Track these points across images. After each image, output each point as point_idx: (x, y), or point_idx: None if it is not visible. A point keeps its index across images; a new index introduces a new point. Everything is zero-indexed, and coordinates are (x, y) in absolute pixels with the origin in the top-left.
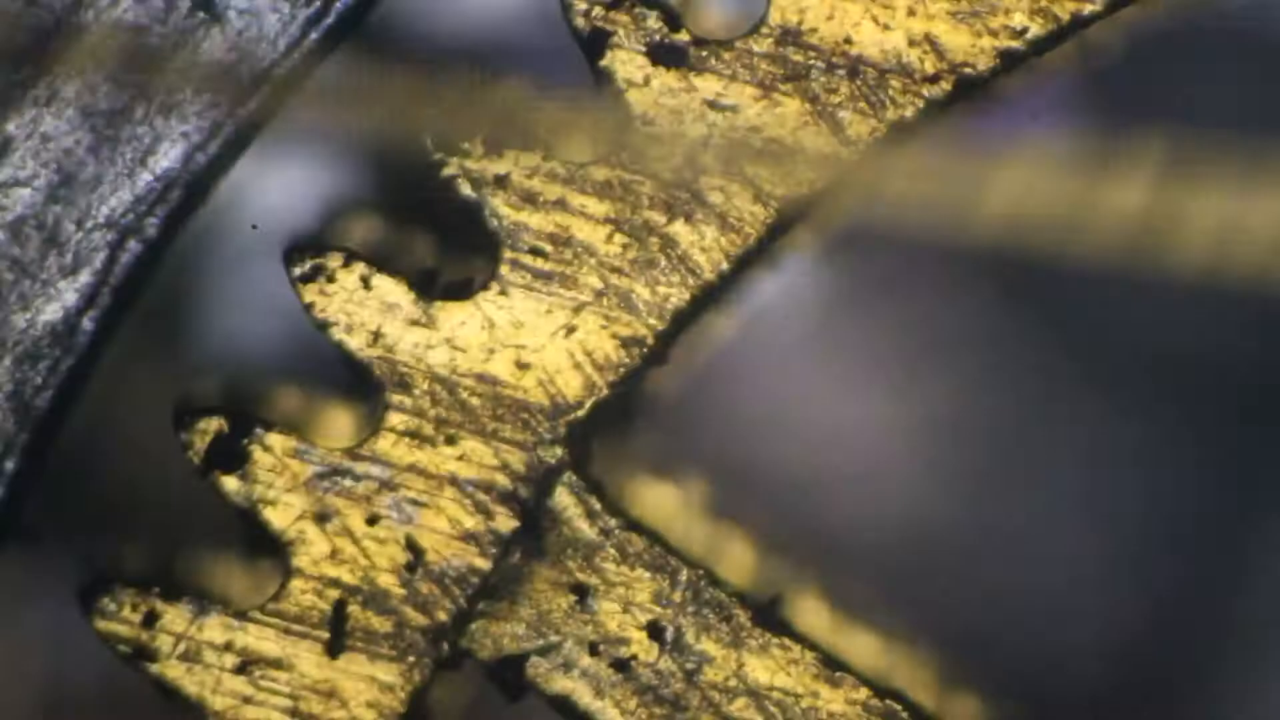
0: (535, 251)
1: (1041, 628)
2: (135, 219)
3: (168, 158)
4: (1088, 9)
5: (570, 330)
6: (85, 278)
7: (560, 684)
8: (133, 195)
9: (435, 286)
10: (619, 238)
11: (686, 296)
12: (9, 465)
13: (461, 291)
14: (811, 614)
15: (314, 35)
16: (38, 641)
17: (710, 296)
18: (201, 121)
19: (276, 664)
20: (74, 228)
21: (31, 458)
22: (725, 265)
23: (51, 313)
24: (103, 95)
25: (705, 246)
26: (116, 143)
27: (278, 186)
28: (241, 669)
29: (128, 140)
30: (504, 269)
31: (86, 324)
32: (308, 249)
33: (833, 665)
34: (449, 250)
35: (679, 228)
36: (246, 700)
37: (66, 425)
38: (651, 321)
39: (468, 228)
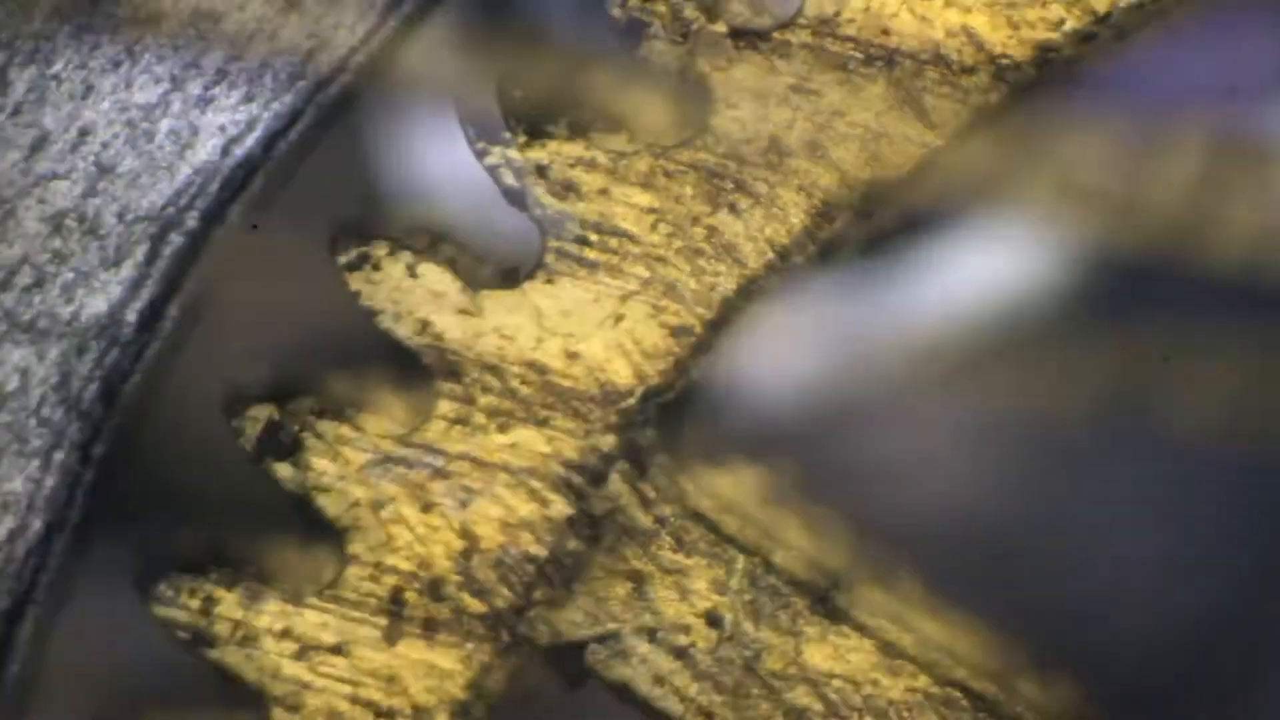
0: (580, 241)
1: (1104, 616)
2: (176, 211)
3: (207, 149)
4: None
5: (618, 319)
6: (128, 270)
7: (619, 671)
8: (173, 188)
9: (482, 275)
10: (663, 227)
11: (733, 285)
12: (58, 457)
13: (509, 280)
14: (870, 601)
15: (392, 21)
16: (91, 633)
17: (757, 285)
18: (240, 114)
19: (335, 650)
20: (115, 220)
21: (80, 450)
22: (771, 254)
23: (96, 305)
24: (140, 88)
25: (751, 235)
26: (154, 136)
27: (338, 173)
28: (300, 655)
29: (167, 133)
30: (549, 258)
31: (130, 316)
32: (352, 237)
33: (892, 653)
34: (496, 238)
35: (724, 217)
36: (305, 686)
37: (115, 416)
38: (699, 310)
39: (515, 215)
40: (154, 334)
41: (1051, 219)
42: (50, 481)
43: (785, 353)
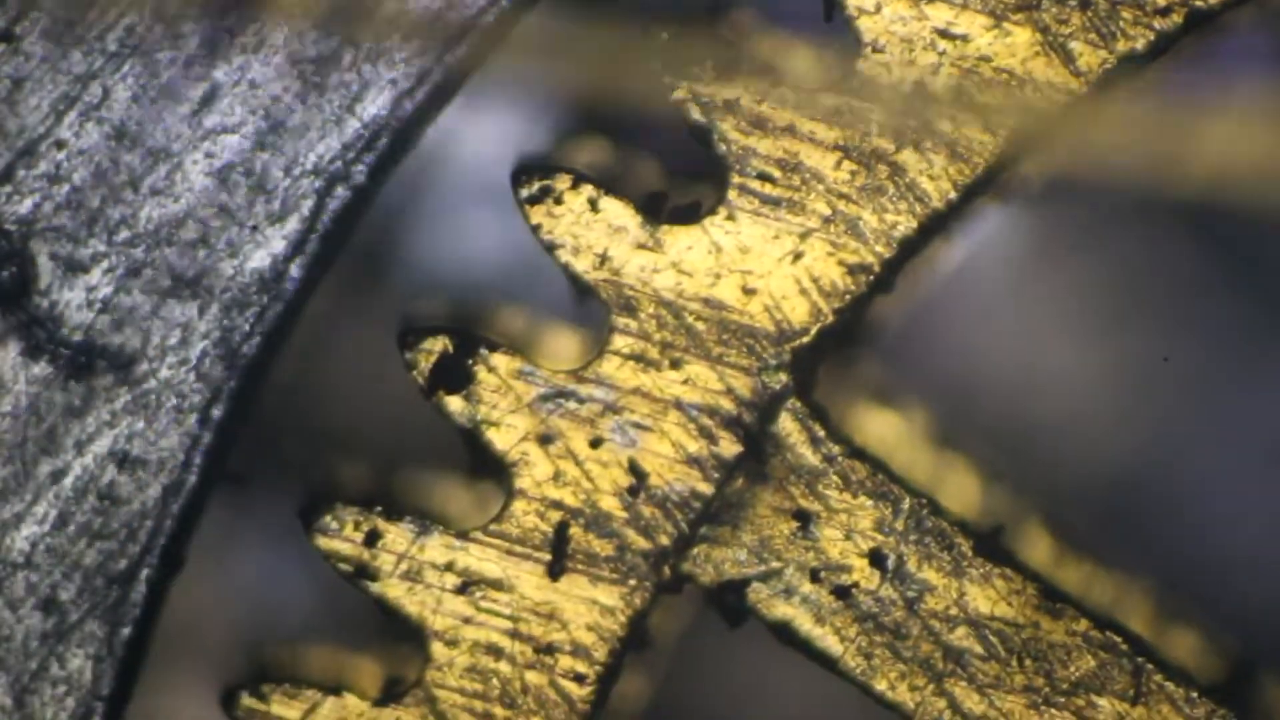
0: (763, 177)
1: (1260, 565)
2: (343, 165)
3: (375, 104)
4: None
5: (797, 256)
6: (293, 224)
7: (781, 610)
8: (340, 142)
9: (662, 211)
10: (847, 164)
11: (914, 224)
12: (216, 412)
13: (689, 216)
14: (1033, 545)
15: None
16: (245, 585)
17: (938, 225)
18: (409, 68)
19: (497, 585)
20: (282, 174)
21: (239, 404)
22: (953, 194)
23: (259, 260)
24: (311, 42)
25: (934, 175)
26: (324, 89)
27: (493, 124)
28: (462, 589)
29: (335, 87)
30: (732, 194)
31: (294, 271)
32: (535, 171)
33: (1054, 596)
34: (676, 175)
35: (908, 155)
36: (466, 620)
37: (278, 367)
38: (878, 249)
39: (695, 152)
40: (316, 289)
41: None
42: (207, 438)
43: (958, 299)
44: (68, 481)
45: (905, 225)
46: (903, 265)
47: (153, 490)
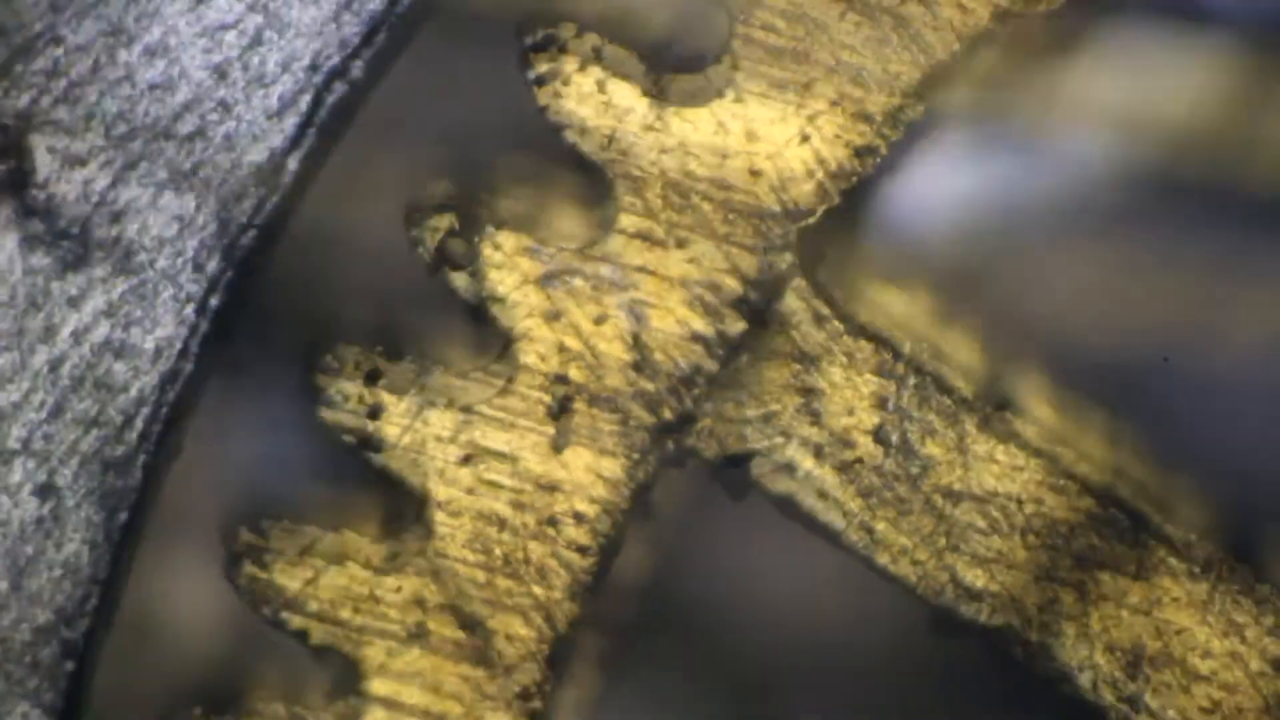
0: (768, 28)
1: (1264, 442)
2: (341, 61)
3: (374, 1)
4: None
5: (804, 138)
6: (291, 119)
7: (784, 485)
8: (338, 38)
9: (669, 91)
10: (852, 16)
11: (918, 75)
12: (214, 302)
13: (696, 97)
14: (1038, 422)
15: None
16: (243, 470)
17: (942, 77)
18: None
19: (501, 457)
20: (280, 70)
21: (237, 294)
22: (958, 45)
23: (257, 154)
24: None
25: (939, 26)
26: None
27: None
28: (466, 461)
29: None
30: (736, 44)
31: (292, 164)
32: (543, 51)
33: (1058, 473)
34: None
35: (912, 7)
36: (470, 492)
37: (274, 260)
38: (884, 98)
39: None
40: (315, 181)
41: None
42: (205, 327)
43: (952, 179)
44: (65, 370)
45: (910, 76)
46: (909, 149)
47: (149, 378)
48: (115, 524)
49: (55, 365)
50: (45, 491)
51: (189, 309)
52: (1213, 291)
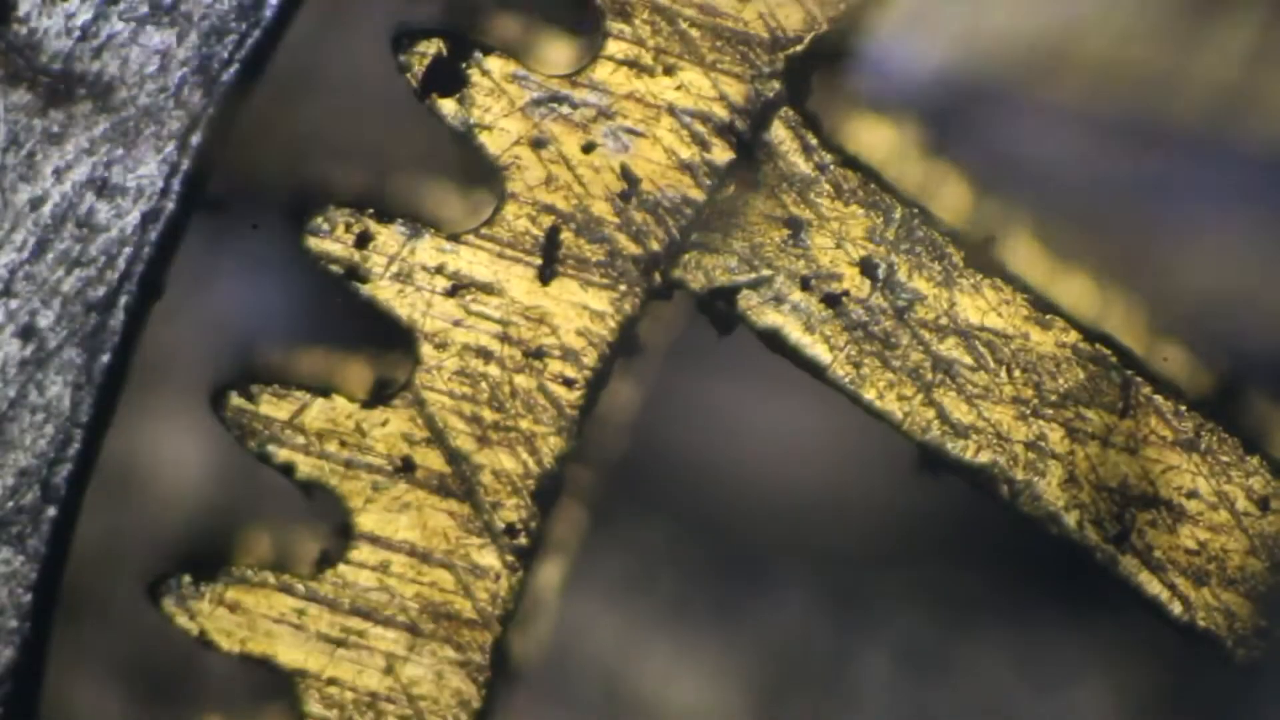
0: None
1: (1250, 287)
2: None
3: None
4: None
5: None
6: None
7: (770, 318)
8: None
9: None
10: None
11: None
12: (195, 139)
13: None
14: (1024, 256)
15: None
16: (227, 307)
17: None
18: None
19: (488, 288)
20: None
21: (219, 131)
22: None
23: None
24: None
25: None
26: None
27: None
28: (453, 292)
29: None
30: None
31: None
32: None
33: (1044, 307)
34: None
35: None
36: (457, 324)
37: (256, 94)
38: None
39: None
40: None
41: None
42: (186, 165)
43: (943, 10)
44: (46, 209)
45: None
46: None
47: (131, 217)
48: (98, 366)
49: (36, 204)
50: (27, 333)
51: (170, 146)
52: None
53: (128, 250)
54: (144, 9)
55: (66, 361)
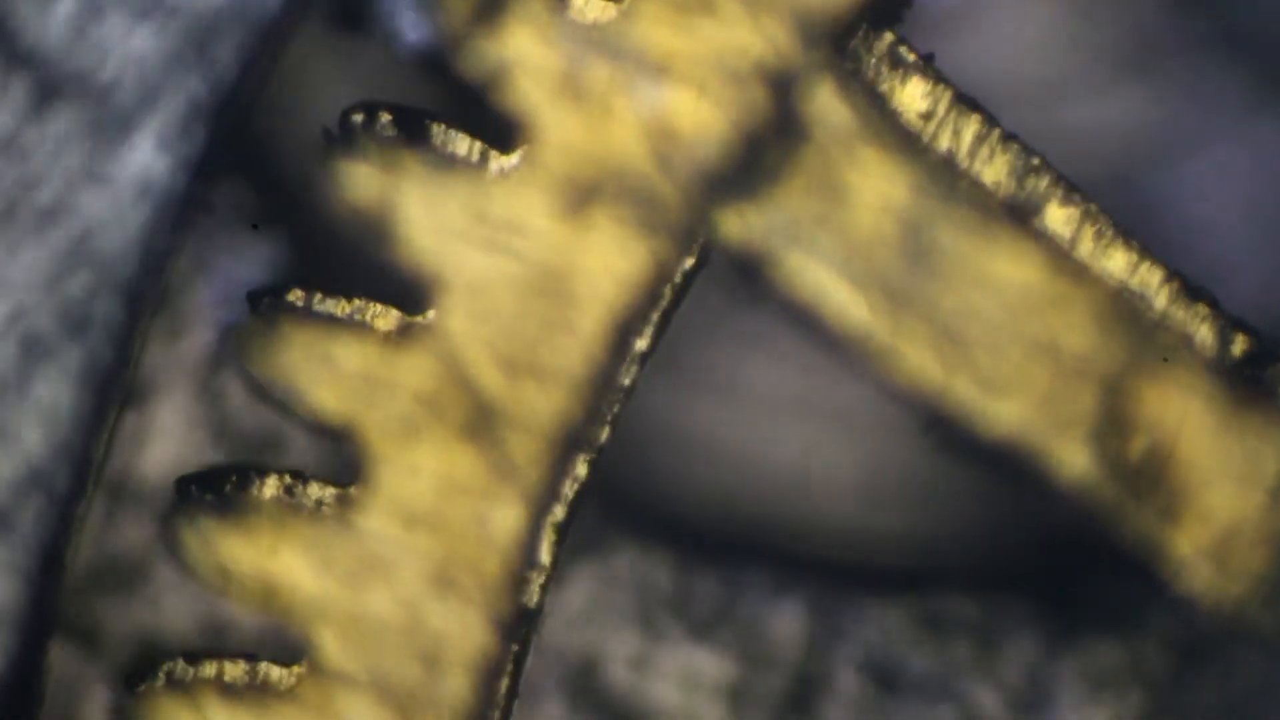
0: None
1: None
2: None
3: None
4: None
5: None
6: None
7: (809, 277)
8: None
9: None
10: None
11: None
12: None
13: None
14: (1060, 225)
15: None
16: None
17: None
18: None
19: (520, 231)
20: None
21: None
22: None
23: None
24: None
25: None
26: None
27: None
28: (485, 245)
29: None
30: None
31: None
32: None
33: (1082, 270)
34: None
35: None
36: (487, 278)
37: None
38: None
39: None
40: None
41: None
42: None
43: None
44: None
45: None
46: None
47: (130, 215)
48: (96, 366)
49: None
50: (23, 333)
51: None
52: None
53: (128, 250)
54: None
55: (64, 361)
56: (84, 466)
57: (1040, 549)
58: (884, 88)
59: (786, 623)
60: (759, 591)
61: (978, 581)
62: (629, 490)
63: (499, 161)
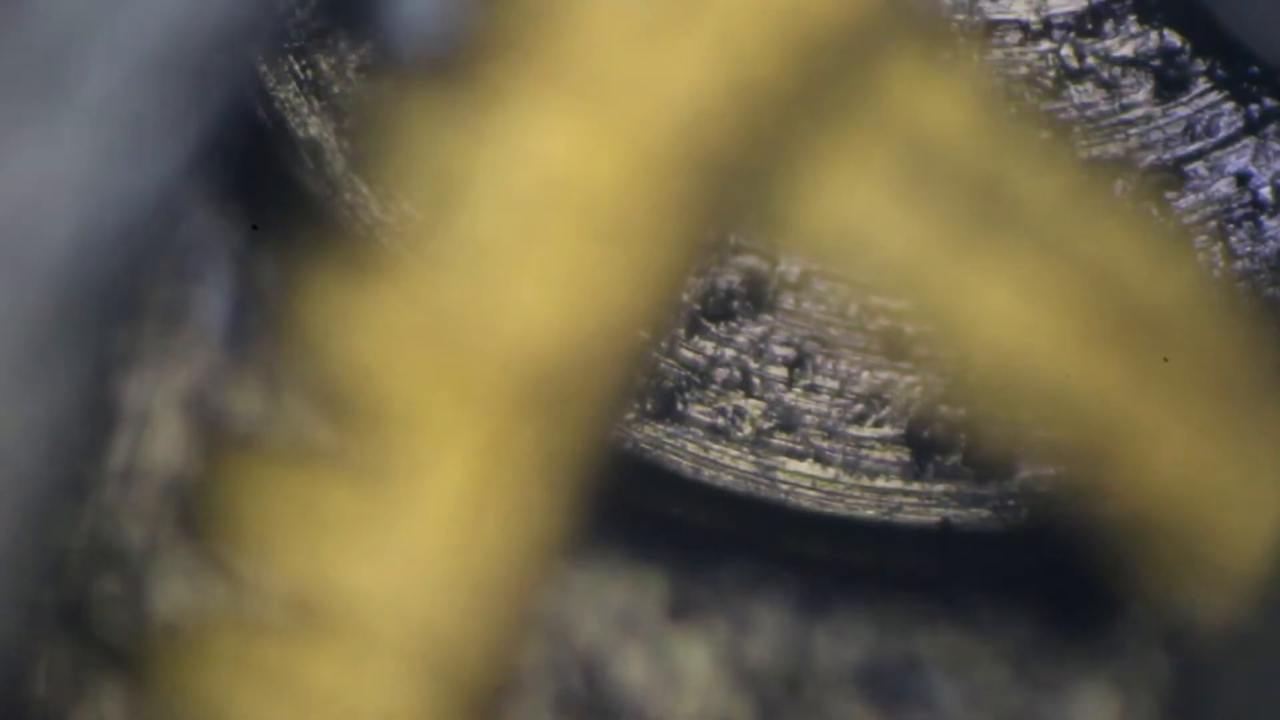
0: None
1: None
2: None
3: None
4: None
5: None
6: None
7: None
8: None
9: None
10: None
11: None
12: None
13: None
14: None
15: None
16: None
17: None
18: None
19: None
20: None
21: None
22: None
23: None
24: None
25: None
26: None
27: None
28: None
29: None
30: None
31: None
32: None
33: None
34: None
35: None
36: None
37: None
38: None
39: None
40: None
41: None
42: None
43: None
44: None
45: None
46: None
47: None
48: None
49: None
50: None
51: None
52: None
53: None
54: None
55: (62, 361)
56: (77, 479)
57: (1036, 549)
58: None
59: (774, 619)
60: (746, 587)
61: (972, 580)
62: (623, 489)
63: None
